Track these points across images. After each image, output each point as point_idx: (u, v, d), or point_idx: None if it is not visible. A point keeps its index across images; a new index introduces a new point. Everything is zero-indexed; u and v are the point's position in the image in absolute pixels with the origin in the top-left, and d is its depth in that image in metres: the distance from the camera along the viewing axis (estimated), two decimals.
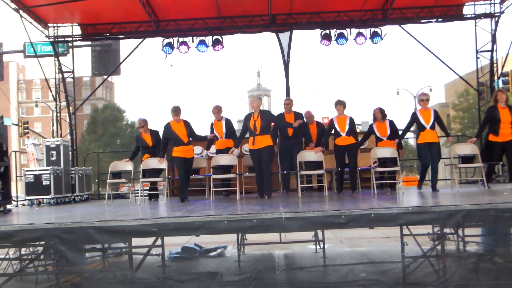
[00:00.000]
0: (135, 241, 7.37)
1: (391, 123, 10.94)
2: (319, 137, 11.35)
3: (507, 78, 18.84)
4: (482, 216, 6.52)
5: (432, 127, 9.80)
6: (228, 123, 11.17)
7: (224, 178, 10.85)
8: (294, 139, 11.07)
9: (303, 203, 8.46)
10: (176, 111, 10.21)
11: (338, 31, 14.03)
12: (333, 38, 14.10)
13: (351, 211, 6.52)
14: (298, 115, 11.21)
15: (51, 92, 14.92)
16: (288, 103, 11.34)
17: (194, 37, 14.17)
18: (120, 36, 14.82)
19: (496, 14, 13.69)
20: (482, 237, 9.68)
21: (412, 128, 10.60)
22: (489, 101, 14.31)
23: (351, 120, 10.51)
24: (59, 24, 14.27)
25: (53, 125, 26.87)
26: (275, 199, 9.69)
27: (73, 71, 14.77)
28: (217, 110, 11.20)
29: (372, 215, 6.47)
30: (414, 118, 10.06)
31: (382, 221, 6.55)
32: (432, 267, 7.42)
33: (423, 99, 10.13)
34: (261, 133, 9.91)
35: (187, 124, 10.27)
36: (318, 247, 10.92)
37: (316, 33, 14.21)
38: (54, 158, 11.95)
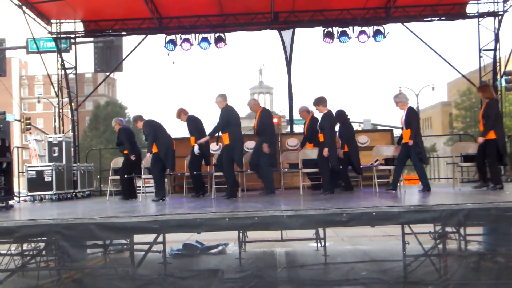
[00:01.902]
0: (137, 238, 7.38)
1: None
2: (309, 134, 11.14)
3: (510, 77, 18.82)
4: (483, 215, 6.53)
5: (407, 127, 9.35)
6: (189, 121, 10.92)
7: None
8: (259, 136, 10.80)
9: (305, 201, 8.46)
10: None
11: (341, 29, 14.00)
12: (335, 36, 14.06)
13: (353, 209, 6.52)
14: (265, 112, 10.88)
15: (54, 88, 14.93)
16: (251, 106, 10.98)
17: (197, 34, 14.15)
18: (123, 33, 14.83)
19: (500, 13, 13.64)
20: (483, 236, 9.66)
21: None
22: None
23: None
24: (61, 20, 14.26)
25: (55, 121, 26.93)
26: (276, 197, 9.68)
27: (75, 67, 14.79)
28: (177, 114, 11.06)
29: (374, 213, 6.47)
30: None
31: (383, 220, 6.54)
32: (433, 266, 7.41)
33: (394, 101, 9.71)
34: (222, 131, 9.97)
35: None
36: (319, 245, 10.93)
37: (319, 31, 14.20)
38: (56, 154, 11.97)
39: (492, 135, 9.03)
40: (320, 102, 9.95)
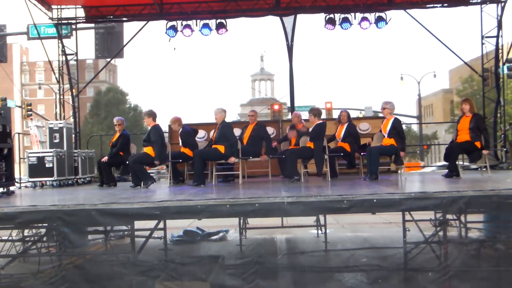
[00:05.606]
0: (138, 224, 7.40)
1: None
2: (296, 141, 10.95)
3: None
4: (484, 203, 6.52)
5: (390, 136, 9.49)
6: (181, 134, 10.87)
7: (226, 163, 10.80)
8: None
9: (305, 188, 8.45)
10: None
11: (343, 16, 13.89)
12: (337, 22, 13.95)
13: (354, 196, 6.52)
14: (260, 126, 10.89)
15: (55, 74, 14.87)
16: (252, 115, 11.07)
17: (198, 20, 14.05)
18: (124, 19, 14.73)
19: None
20: (484, 223, 9.68)
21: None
22: (494, 87, 14.23)
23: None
24: (62, 6, 14.17)
25: (56, 108, 26.88)
26: (276, 184, 9.68)
27: (76, 54, 14.72)
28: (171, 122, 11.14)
29: (375, 200, 6.47)
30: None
31: (384, 207, 6.55)
32: (433, 253, 7.43)
33: (382, 107, 9.89)
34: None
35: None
36: (319, 232, 10.96)
37: (321, 17, 14.09)
38: (57, 141, 11.94)
39: (478, 144, 9.33)
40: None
